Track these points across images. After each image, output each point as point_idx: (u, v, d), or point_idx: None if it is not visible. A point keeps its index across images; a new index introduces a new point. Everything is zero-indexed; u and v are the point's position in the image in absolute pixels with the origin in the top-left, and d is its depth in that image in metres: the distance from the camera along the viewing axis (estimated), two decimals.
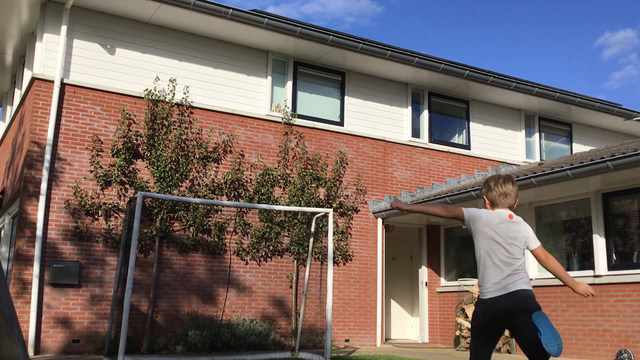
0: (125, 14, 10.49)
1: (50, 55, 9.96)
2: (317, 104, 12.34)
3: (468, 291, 11.25)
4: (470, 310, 10.86)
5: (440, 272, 12.85)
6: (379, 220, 12.30)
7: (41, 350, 9.18)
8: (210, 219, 10.68)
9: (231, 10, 10.49)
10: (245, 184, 11.12)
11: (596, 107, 14.50)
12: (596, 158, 8.74)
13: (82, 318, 9.54)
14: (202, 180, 10.79)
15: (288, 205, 11.26)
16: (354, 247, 11.97)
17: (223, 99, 11.26)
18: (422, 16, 45.81)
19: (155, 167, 10.30)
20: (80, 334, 9.47)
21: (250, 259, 10.94)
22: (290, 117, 11.75)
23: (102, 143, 10.12)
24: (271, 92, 11.80)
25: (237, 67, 11.50)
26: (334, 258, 11.59)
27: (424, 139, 13.33)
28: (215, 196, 10.76)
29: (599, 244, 9.33)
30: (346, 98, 12.53)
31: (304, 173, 11.59)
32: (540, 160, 14.42)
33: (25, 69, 11.46)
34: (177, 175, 10.48)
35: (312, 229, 9.88)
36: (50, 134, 9.69)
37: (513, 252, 3.72)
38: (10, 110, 13.37)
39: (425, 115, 13.42)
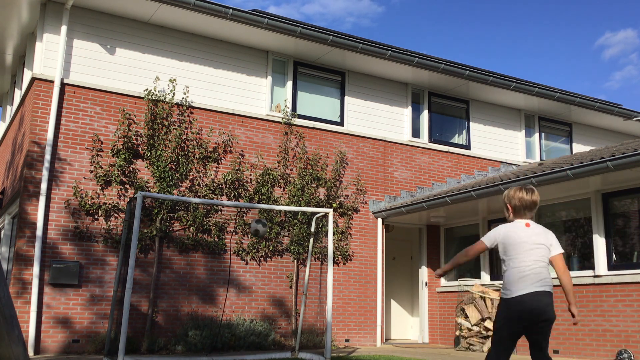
0: (125, 14, 10.49)
1: (50, 55, 9.96)
2: (317, 104, 12.34)
3: (468, 291, 11.25)
4: (470, 310, 10.87)
5: None
6: (379, 220, 12.30)
7: (41, 350, 9.18)
8: (210, 219, 10.69)
9: (231, 10, 10.49)
10: (245, 184, 11.12)
11: (596, 107, 14.50)
12: (596, 158, 8.74)
13: (82, 318, 9.54)
14: (202, 180, 10.79)
15: (288, 205, 11.26)
16: (354, 247, 11.97)
17: (223, 99, 11.26)
18: (422, 16, 45.83)
19: (155, 167, 10.30)
20: (80, 334, 9.47)
21: (250, 259, 10.95)
22: (290, 117, 11.75)
23: (102, 143, 10.12)
24: (271, 92, 11.80)
25: (237, 67, 11.50)
26: (334, 258, 11.59)
27: (424, 139, 13.33)
28: (215, 196, 10.76)
29: (599, 244, 9.33)
30: (346, 98, 12.53)
31: (304, 173, 11.59)
32: (540, 160, 14.42)
33: (25, 69, 11.46)
34: (177, 175, 10.48)
35: (312, 229, 9.88)
36: (50, 134, 9.69)
37: (537, 256, 3.93)
38: (10, 110, 13.37)
39: (425, 115, 13.42)
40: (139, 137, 10.38)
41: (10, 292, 8.62)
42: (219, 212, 10.77)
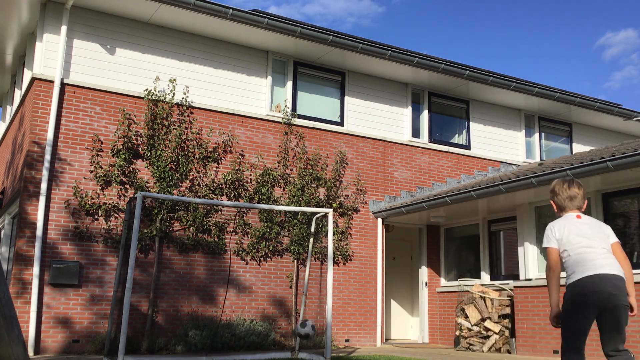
0: (125, 14, 10.50)
1: (50, 55, 9.96)
2: (317, 104, 12.34)
3: (468, 291, 11.25)
4: (470, 310, 10.86)
5: (440, 272, 12.85)
6: (379, 220, 12.30)
7: (41, 350, 9.18)
8: (210, 219, 10.69)
9: (231, 10, 10.49)
10: (245, 184, 11.12)
11: (596, 107, 14.50)
12: (596, 158, 8.74)
13: (82, 318, 9.54)
14: (202, 180, 10.79)
15: (288, 205, 11.26)
16: (354, 247, 11.97)
17: (223, 99, 11.26)
18: (422, 16, 45.83)
19: (155, 167, 10.31)
20: (80, 334, 9.47)
21: (250, 259, 10.95)
22: (290, 117, 11.75)
23: (102, 143, 10.12)
24: (271, 92, 11.81)
25: (237, 67, 11.50)
26: (334, 258, 11.59)
27: (424, 139, 13.33)
28: (215, 196, 10.76)
29: None
30: (346, 98, 12.53)
31: (304, 173, 11.59)
32: (540, 160, 14.42)
33: (25, 69, 11.46)
34: (177, 175, 10.49)
35: (312, 229, 9.89)
36: (50, 134, 9.69)
37: (596, 245, 3.81)
38: (10, 110, 13.37)
39: (425, 115, 13.42)
40: (139, 137, 10.38)
41: (10, 292, 8.63)
42: (219, 212, 10.77)
